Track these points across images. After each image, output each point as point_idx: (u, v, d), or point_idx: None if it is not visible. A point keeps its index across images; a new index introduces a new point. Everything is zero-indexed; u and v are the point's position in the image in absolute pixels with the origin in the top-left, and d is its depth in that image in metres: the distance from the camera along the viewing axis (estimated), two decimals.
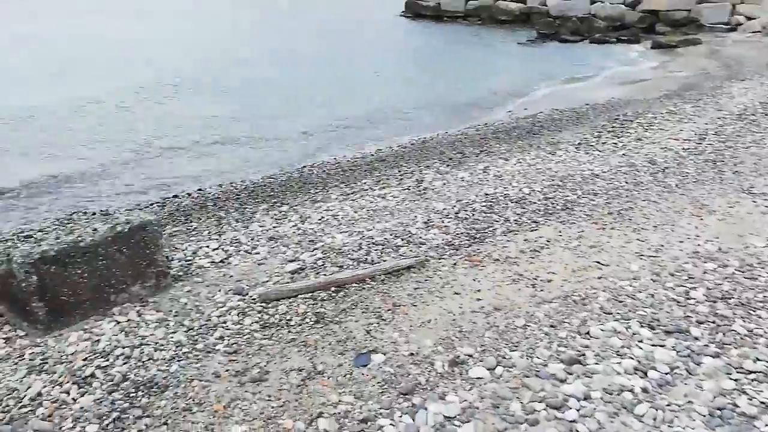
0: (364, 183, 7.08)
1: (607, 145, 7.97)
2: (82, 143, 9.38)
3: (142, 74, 14.45)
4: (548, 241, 4.84)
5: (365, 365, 3.29)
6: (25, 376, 3.26)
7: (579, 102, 11.58)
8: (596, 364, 3.21)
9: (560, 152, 7.72)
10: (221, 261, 4.83)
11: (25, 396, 3.08)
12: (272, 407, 2.97)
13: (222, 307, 3.99)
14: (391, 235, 5.11)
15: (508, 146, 8.33)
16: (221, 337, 3.61)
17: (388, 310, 3.87)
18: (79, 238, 3.96)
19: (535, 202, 5.75)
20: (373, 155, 8.57)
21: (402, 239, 5.00)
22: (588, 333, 3.51)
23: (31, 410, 2.98)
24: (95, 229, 4.09)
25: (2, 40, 19.58)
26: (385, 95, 13.21)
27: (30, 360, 3.41)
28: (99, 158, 8.61)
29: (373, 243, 4.95)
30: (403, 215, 5.67)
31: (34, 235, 5.85)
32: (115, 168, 8.25)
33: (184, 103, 12.14)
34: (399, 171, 7.48)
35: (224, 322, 3.78)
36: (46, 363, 3.37)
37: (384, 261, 4.58)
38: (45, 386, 3.15)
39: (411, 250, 4.77)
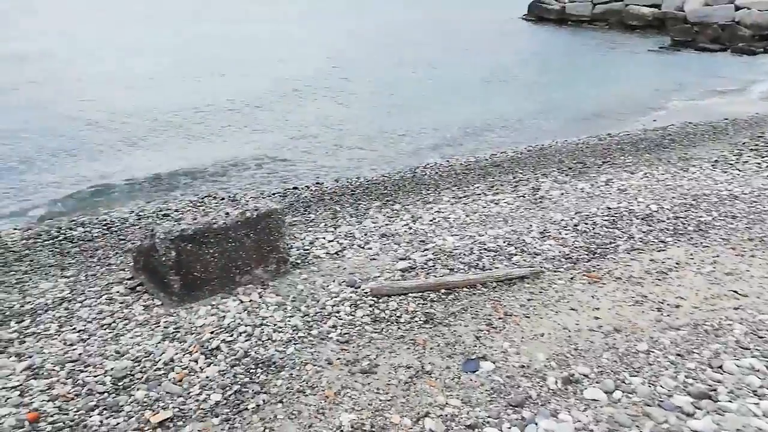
0: (477, 187, 7.00)
1: (749, 164, 7.25)
2: (214, 137, 10.12)
3: (273, 76, 15.07)
4: (677, 264, 4.49)
5: (474, 371, 3.26)
6: (160, 342, 3.57)
7: (717, 116, 10.65)
8: (729, 402, 2.93)
9: (693, 169, 7.14)
10: (336, 253, 4.99)
11: (159, 360, 3.38)
12: (380, 400, 3.02)
13: (335, 297, 4.13)
14: (504, 242, 5.00)
15: (634, 159, 7.84)
16: (334, 326, 3.73)
17: (499, 318, 3.79)
18: (213, 221, 4.26)
19: (663, 221, 5.36)
20: (487, 160, 8.45)
21: (515, 247, 4.88)
22: (721, 367, 3.21)
23: (164, 373, 3.27)
24: (227, 213, 4.39)
25: (154, 45, 21.51)
26: (503, 99, 13.00)
27: (164, 328, 3.74)
28: (228, 150, 9.23)
29: (485, 249, 4.88)
30: (518, 223, 5.53)
31: (171, 215, 6.45)
32: (242, 159, 8.79)
33: (308, 104, 12.59)
34: (514, 177, 7.31)
35: (337, 312, 3.91)
36: (178, 332, 3.67)
37: (496, 268, 4.49)
38: (177, 353, 3.44)
39: (525, 260, 4.64)
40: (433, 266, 4.59)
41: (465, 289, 4.17)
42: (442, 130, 10.47)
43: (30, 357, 3.40)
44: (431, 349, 3.49)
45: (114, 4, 33.61)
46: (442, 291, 4.15)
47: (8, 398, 3.04)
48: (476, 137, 10.10)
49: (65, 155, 8.74)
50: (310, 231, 5.67)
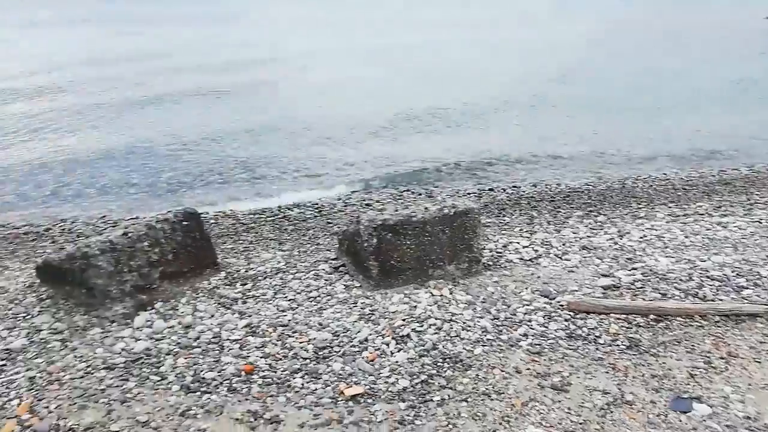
0: (700, 206, 6.18)
1: None
2: (419, 138, 10.43)
3: (495, 82, 14.55)
4: None
5: (685, 412, 2.86)
6: (356, 321, 3.79)
7: None
8: None
9: None
10: (530, 260, 4.81)
11: (355, 338, 3.58)
12: (571, 421, 2.81)
13: (528, 305, 3.97)
14: (732, 271, 4.32)
15: None
16: (525, 335, 3.58)
17: (721, 357, 3.28)
18: (413, 213, 4.40)
19: None
20: (714, 176, 7.43)
21: (747, 279, 4.18)
22: None
23: (359, 351, 3.45)
24: (426, 208, 4.50)
25: (370, 51, 22.98)
26: (740, 111, 11.31)
27: (361, 308, 3.95)
28: (431, 150, 9.46)
29: (707, 276, 4.27)
30: (751, 252, 4.74)
31: (373, 205, 6.84)
32: (442, 158, 8.92)
33: (521, 110, 12.09)
34: (748, 199, 6.30)
35: (529, 321, 3.75)
36: (373, 315, 3.86)
37: (721, 300, 3.90)
38: (371, 334, 3.61)
39: (758, 296, 3.95)
40: (642, 288, 4.15)
41: (679, 318, 3.69)
42: (661, 141, 9.47)
43: (249, 316, 3.86)
44: (633, 377, 3.15)
45: (324, 12, 36.83)
46: (651, 317, 3.73)
47: (231, 349, 3.48)
48: (702, 151, 8.92)
49: (289, 149, 9.77)
50: (503, 234, 5.55)
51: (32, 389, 3.07)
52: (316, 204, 6.81)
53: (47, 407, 2.93)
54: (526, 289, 4.22)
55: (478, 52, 20.04)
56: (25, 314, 3.91)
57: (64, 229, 6.25)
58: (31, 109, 12.09)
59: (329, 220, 6.18)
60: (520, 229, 5.69)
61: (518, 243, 5.21)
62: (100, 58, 18.76)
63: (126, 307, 3.93)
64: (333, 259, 4.80)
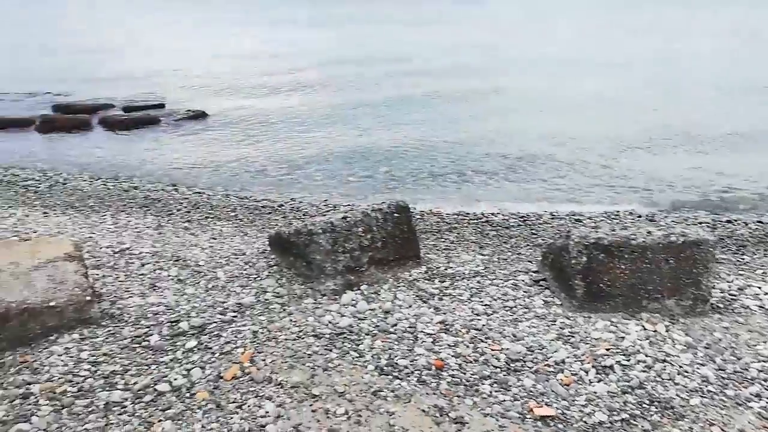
0: None
1: None
2: (649, 160, 9.57)
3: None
4: None
5: None
6: (553, 340, 3.59)
7: None
8: None
9: None
10: None
11: (550, 357, 3.40)
12: None
13: (765, 362, 3.34)
14: None
15: None
16: (758, 395, 3.03)
17: None
18: (632, 236, 4.01)
19: None
20: None
21: None
22: None
23: (553, 372, 3.26)
24: (649, 232, 4.07)
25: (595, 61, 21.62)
26: None
27: (560, 328, 3.73)
28: (662, 166, 8.60)
29: None
30: None
31: (584, 221, 6.43)
32: (668, 180, 8.04)
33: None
34: None
35: (765, 380, 3.16)
36: (573, 337, 3.61)
37: None
38: (568, 357, 3.38)
39: None
40: None
41: None
42: None
43: (444, 313, 3.92)
44: None
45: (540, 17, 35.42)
46: None
47: (423, 342, 3.57)
48: None
49: (498, 158, 9.71)
50: (741, 275, 4.77)
51: (254, 342, 3.52)
52: (521, 213, 6.64)
53: (264, 360, 3.33)
54: (765, 342, 3.57)
55: (742, 66, 17.33)
56: (255, 276, 4.51)
57: (293, 207, 7.07)
58: (288, 104, 13.89)
59: (533, 231, 5.97)
60: (764, 272, 4.83)
61: (759, 288, 4.43)
62: (352, 58, 20.78)
63: (336, 284, 4.28)
64: (534, 272, 4.62)
